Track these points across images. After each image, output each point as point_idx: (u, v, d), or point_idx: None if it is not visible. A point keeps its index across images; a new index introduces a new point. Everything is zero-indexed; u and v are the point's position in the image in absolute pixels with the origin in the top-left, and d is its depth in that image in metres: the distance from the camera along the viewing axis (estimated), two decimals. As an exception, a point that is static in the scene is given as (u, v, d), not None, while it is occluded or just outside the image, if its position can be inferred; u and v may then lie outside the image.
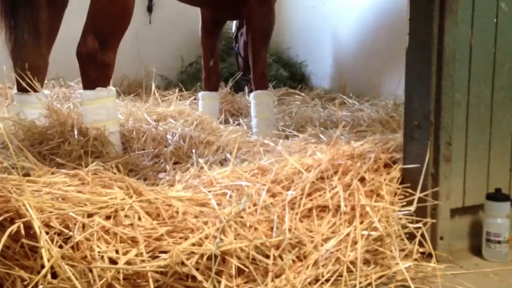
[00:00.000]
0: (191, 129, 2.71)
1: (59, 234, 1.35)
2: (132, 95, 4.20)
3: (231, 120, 3.59)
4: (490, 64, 1.88)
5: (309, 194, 1.74)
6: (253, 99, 3.41)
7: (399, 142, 2.03)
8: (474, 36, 1.83)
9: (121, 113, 2.93)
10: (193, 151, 2.32)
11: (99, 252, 1.34)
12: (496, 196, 1.84)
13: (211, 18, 3.64)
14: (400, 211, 1.78)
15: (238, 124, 3.42)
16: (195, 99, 3.80)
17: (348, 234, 1.64)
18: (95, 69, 2.23)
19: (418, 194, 1.76)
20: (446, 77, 1.77)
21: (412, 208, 1.74)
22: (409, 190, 1.82)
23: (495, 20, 1.87)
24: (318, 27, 5.39)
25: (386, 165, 1.95)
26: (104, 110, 2.24)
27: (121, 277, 1.31)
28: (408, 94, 1.89)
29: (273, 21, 3.54)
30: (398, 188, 1.86)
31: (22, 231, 1.30)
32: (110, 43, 2.27)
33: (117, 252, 1.36)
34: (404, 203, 1.81)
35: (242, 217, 1.55)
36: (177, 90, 3.66)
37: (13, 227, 1.29)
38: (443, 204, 1.80)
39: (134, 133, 2.53)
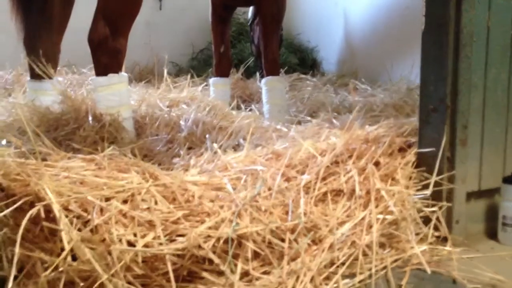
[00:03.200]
0: (203, 114, 2.71)
1: (77, 218, 1.37)
2: (143, 81, 4.20)
3: (242, 106, 3.58)
4: (508, 46, 1.85)
5: (323, 178, 1.74)
6: (264, 85, 3.40)
7: (413, 126, 2.02)
8: (491, 18, 1.80)
9: (134, 99, 2.94)
10: (207, 136, 2.33)
11: (117, 235, 1.35)
12: (513, 179, 1.83)
13: (222, 4, 3.62)
14: (415, 195, 1.77)
15: (250, 110, 3.41)
16: (206, 85, 3.80)
17: (363, 218, 1.64)
18: (106, 55, 2.23)
19: (434, 178, 1.75)
20: (463, 60, 1.75)
21: (428, 192, 1.74)
22: (425, 174, 1.81)
23: (512, 1, 1.84)
24: (329, 12, 5.34)
25: (401, 149, 1.94)
26: (116, 96, 2.25)
27: (139, 259, 1.32)
28: (424, 78, 1.87)
29: (284, 6, 3.51)
30: (413, 172, 1.85)
31: (42, 214, 1.31)
32: (121, 29, 2.27)
33: (135, 235, 1.37)
34: (419, 187, 1.80)
35: (257, 201, 1.55)
36: (188, 76, 3.65)
37: (33, 210, 1.31)
38: (459, 187, 1.79)
39: (147, 119, 2.54)
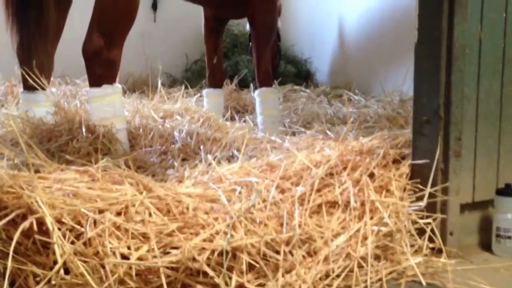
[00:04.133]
0: (197, 126, 2.71)
1: (71, 230, 1.36)
2: (137, 92, 4.20)
3: (236, 117, 3.58)
4: (500, 58, 1.87)
5: (318, 190, 1.73)
6: (258, 96, 3.41)
7: (407, 137, 2.02)
8: (484, 31, 1.82)
9: (127, 110, 2.93)
10: (201, 147, 2.32)
11: (111, 248, 1.34)
12: (506, 191, 1.83)
13: (214, 16, 3.64)
14: (410, 206, 1.78)
15: (244, 121, 3.42)
16: (200, 96, 3.80)
17: (358, 230, 1.64)
18: (101, 67, 2.23)
19: (428, 190, 1.75)
20: (455, 72, 1.77)
21: (423, 203, 1.74)
22: (419, 186, 1.81)
23: (504, 14, 1.86)
24: (322, 24, 5.39)
25: (395, 161, 1.94)
26: (110, 108, 2.24)
27: (133, 272, 1.31)
28: (417, 90, 1.88)
29: (276, 17, 3.53)
30: (408, 184, 1.85)
31: (35, 227, 1.30)
32: (116, 40, 2.27)
33: (128, 248, 1.36)
34: (414, 199, 1.80)
35: (252, 213, 1.55)
36: (182, 88, 3.66)
37: (26, 223, 1.29)
38: (453, 199, 1.80)
39: (141, 130, 2.53)
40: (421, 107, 1.87)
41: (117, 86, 2.29)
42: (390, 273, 1.61)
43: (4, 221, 1.34)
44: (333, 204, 1.72)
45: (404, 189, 1.84)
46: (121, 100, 2.34)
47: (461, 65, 1.78)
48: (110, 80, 2.26)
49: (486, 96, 1.85)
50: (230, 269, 1.40)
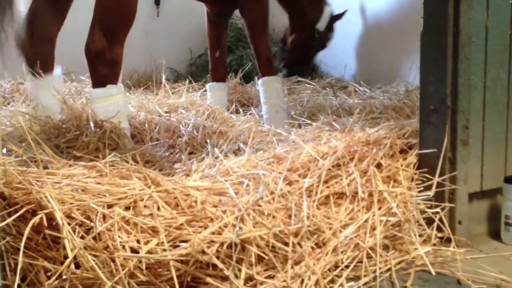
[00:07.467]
0: (203, 119, 2.71)
1: (80, 225, 1.37)
2: (142, 88, 4.20)
3: (241, 110, 3.57)
4: (506, 46, 1.86)
5: (325, 181, 1.74)
6: (261, 86, 3.37)
7: (414, 127, 2.02)
8: (490, 18, 1.80)
9: (133, 106, 2.94)
10: (208, 141, 2.33)
11: (120, 242, 1.35)
12: (515, 179, 1.83)
13: (215, 11, 3.62)
14: (418, 196, 1.77)
15: (250, 114, 3.41)
16: (205, 90, 3.80)
17: (366, 220, 1.64)
18: (104, 67, 2.22)
19: (436, 179, 1.75)
20: (462, 60, 1.75)
21: (431, 193, 1.74)
22: (426, 175, 1.81)
23: (510, 1, 1.84)
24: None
25: (402, 151, 1.94)
26: (115, 107, 2.23)
27: (143, 266, 1.32)
28: (424, 79, 1.87)
29: (267, 5, 3.48)
30: (415, 174, 1.85)
31: (45, 222, 1.31)
32: (118, 39, 2.26)
33: (138, 241, 1.37)
34: (422, 188, 1.80)
35: (260, 206, 1.55)
36: (186, 82, 3.65)
37: (36, 219, 1.30)
38: (461, 188, 1.79)
39: (146, 125, 2.53)
40: (427, 96, 1.86)
41: (120, 85, 2.30)
42: (399, 263, 1.61)
43: (14, 217, 1.35)
44: (341, 195, 1.72)
45: (412, 179, 1.84)
46: (125, 99, 2.35)
47: (467, 53, 1.76)
48: (114, 80, 2.25)
49: (493, 84, 1.84)
50: (239, 261, 1.41)
